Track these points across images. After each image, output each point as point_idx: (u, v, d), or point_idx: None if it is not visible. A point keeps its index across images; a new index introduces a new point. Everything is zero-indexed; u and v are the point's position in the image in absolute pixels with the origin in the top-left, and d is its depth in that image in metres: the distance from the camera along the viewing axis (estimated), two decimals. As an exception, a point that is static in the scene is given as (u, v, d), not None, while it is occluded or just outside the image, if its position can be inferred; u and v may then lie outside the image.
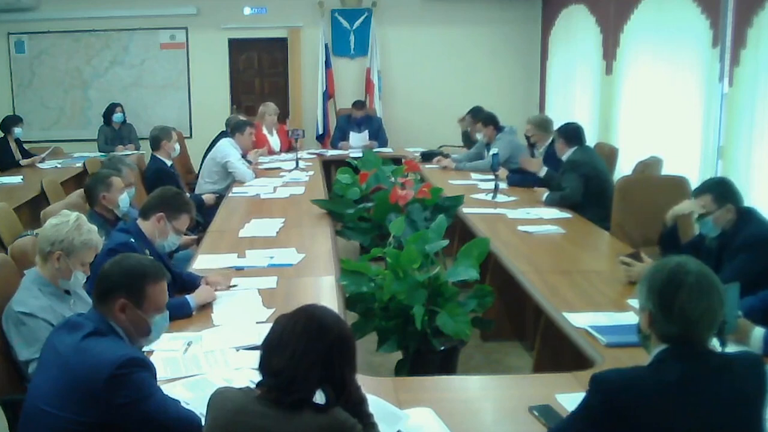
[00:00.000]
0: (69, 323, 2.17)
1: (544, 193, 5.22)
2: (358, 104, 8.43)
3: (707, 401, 1.70)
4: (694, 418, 1.69)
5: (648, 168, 5.47)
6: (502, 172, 5.84)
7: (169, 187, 3.69)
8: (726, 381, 1.73)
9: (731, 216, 3.28)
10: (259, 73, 9.74)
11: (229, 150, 6.33)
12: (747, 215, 3.29)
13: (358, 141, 8.19)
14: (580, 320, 2.90)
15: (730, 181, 3.51)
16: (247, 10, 9.36)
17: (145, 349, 2.67)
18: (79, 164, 7.19)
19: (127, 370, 1.99)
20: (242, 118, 7.24)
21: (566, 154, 5.22)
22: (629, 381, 1.74)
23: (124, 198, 4.02)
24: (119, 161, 4.78)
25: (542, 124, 5.90)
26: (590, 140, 5.82)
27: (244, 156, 6.63)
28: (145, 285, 2.16)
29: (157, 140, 5.73)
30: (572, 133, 5.27)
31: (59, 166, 7.31)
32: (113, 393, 1.97)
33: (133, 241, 3.19)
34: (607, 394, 1.73)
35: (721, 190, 3.34)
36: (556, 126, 5.69)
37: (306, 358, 1.71)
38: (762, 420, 1.77)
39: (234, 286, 3.40)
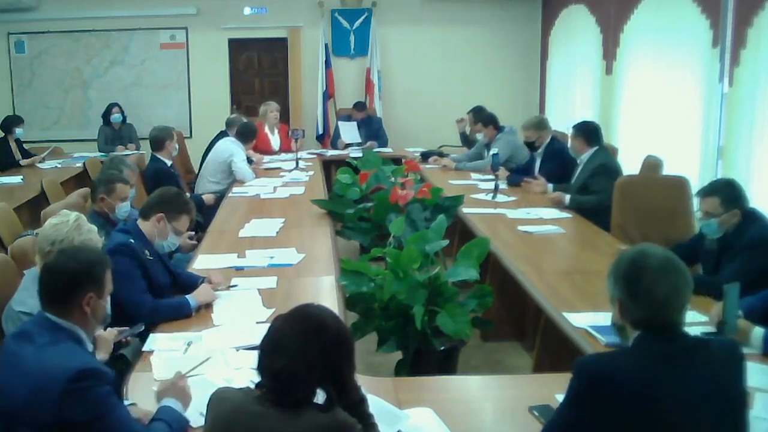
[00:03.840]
0: (22, 333, 2.05)
1: (549, 187, 5.21)
2: (359, 105, 8.43)
3: (687, 380, 1.72)
4: (674, 396, 1.71)
5: (648, 168, 5.46)
6: (502, 173, 5.84)
7: (169, 187, 3.68)
8: (703, 359, 1.76)
9: (736, 220, 3.25)
10: (259, 73, 9.74)
11: (234, 148, 6.33)
12: (750, 217, 3.26)
13: (348, 132, 8.10)
14: (580, 320, 2.90)
15: (738, 184, 3.43)
16: (247, 10, 9.36)
17: (144, 349, 2.68)
18: (79, 164, 7.20)
19: (81, 384, 1.87)
20: (244, 119, 7.23)
21: (586, 153, 5.12)
22: (611, 363, 1.78)
23: (123, 207, 3.96)
24: (121, 162, 4.76)
25: (540, 124, 5.88)
26: (590, 140, 5.80)
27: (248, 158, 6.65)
28: (103, 272, 2.14)
29: (160, 140, 5.71)
30: (593, 133, 5.16)
31: (59, 166, 7.31)
32: (68, 410, 1.85)
33: (132, 241, 3.18)
34: (590, 377, 1.75)
35: (729, 193, 3.28)
36: (572, 124, 5.54)
37: (306, 358, 1.70)
38: (741, 396, 1.80)
39: (234, 286, 3.40)
